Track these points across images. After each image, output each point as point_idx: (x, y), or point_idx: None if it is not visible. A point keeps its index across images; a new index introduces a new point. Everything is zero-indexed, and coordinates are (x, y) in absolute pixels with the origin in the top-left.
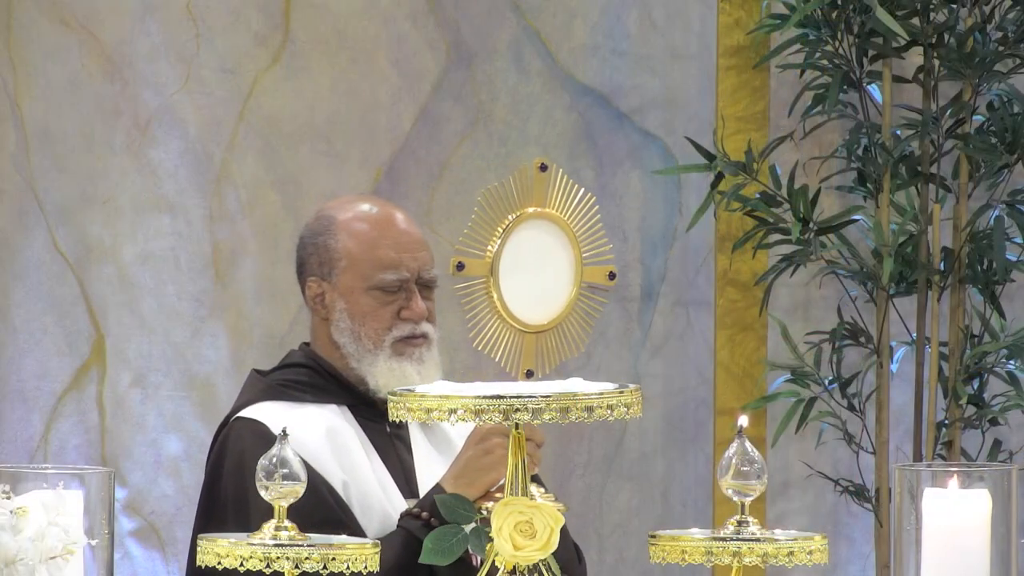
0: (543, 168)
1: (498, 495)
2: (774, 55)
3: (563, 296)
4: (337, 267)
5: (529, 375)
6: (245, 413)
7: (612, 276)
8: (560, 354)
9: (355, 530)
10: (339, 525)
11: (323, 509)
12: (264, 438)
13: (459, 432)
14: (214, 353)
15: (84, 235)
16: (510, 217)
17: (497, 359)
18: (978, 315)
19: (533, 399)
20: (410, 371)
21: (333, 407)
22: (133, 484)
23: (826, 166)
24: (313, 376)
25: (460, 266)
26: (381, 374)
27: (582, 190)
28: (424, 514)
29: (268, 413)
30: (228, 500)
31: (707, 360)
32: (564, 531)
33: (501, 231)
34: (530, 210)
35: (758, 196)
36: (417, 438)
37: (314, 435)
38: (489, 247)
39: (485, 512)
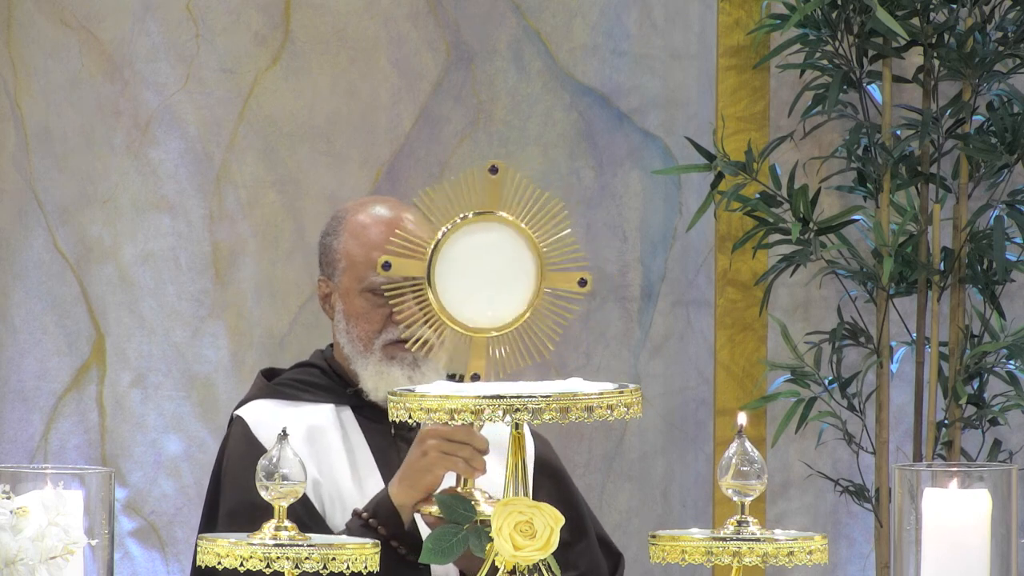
0: (494, 171)
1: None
2: (774, 55)
3: (520, 301)
4: (338, 268)
5: (475, 379)
6: (238, 411)
7: (583, 283)
8: (518, 359)
9: (319, 531)
10: (302, 526)
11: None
12: (246, 438)
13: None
14: (214, 353)
15: (84, 235)
16: (456, 219)
17: (435, 361)
18: (978, 315)
19: (533, 399)
20: (398, 375)
21: (331, 407)
22: (133, 484)
23: (826, 166)
24: (321, 376)
25: (387, 266)
26: (370, 377)
27: (546, 195)
28: (364, 514)
29: (255, 412)
30: (216, 498)
31: (707, 360)
32: (596, 540)
33: (441, 233)
34: (479, 213)
35: (758, 196)
36: None
37: (292, 435)
38: (427, 249)
39: (422, 516)
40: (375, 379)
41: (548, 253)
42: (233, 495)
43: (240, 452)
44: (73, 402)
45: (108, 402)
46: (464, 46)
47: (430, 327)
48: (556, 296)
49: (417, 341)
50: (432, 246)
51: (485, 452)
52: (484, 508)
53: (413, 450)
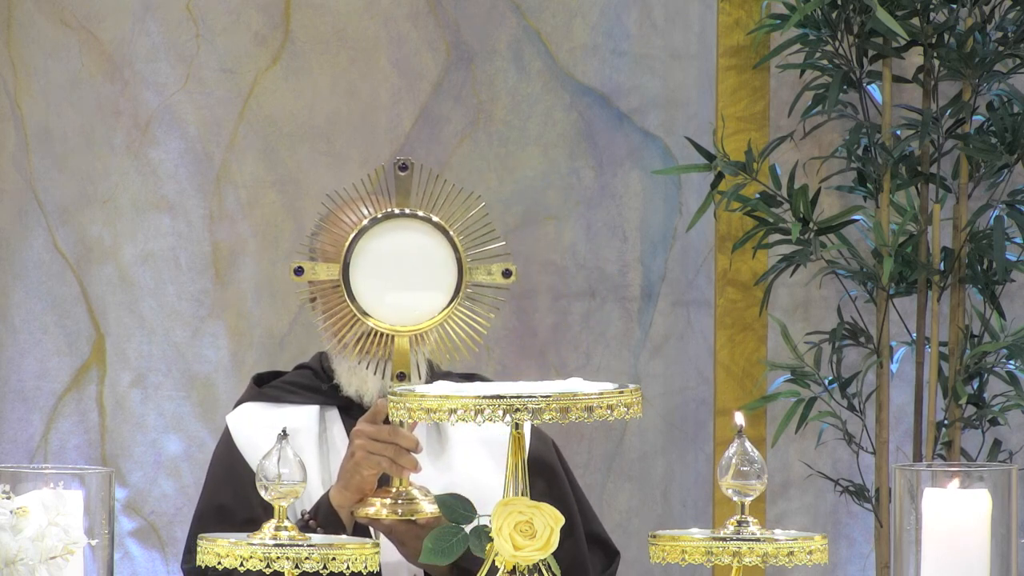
0: (403, 168)
1: (374, 499)
2: (774, 55)
3: (441, 297)
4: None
5: (401, 378)
6: (228, 416)
7: (507, 274)
8: (449, 355)
9: None
10: (260, 526)
11: (246, 509)
12: (225, 442)
13: (463, 436)
14: (214, 353)
15: (84, 235)
16: (365, 221)
17: (360, 362)
18: (978, 315)
19: (533, 399)
20: (367, 374)
21: (316, 408)
22: (133, 484)
23: (826, 166)
24: (312, 378)
25: (299, 271)
26: (344, 374)
27: (460, 189)
28: (306, 515)
29: (237, 417)
30: None
31: (707, 360)
32: (583, 539)
33: (353, 234)
34: (389, 211)
35: (758, 196)
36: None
37: (265, 437)
38: (339, 250)
39: (357, 518)
40: (347, 376)
41: (468, 248)
42: (203, 498)
43: (217, 456)
44: (73, 402)
45: (108, 402)
46: (464, 46)
47: (351, 327)
48: (481, 290)
49: (340, 342)
50: (344, 248)
51: (415, 450)
52: (425, 507)
53: (346, 450)
